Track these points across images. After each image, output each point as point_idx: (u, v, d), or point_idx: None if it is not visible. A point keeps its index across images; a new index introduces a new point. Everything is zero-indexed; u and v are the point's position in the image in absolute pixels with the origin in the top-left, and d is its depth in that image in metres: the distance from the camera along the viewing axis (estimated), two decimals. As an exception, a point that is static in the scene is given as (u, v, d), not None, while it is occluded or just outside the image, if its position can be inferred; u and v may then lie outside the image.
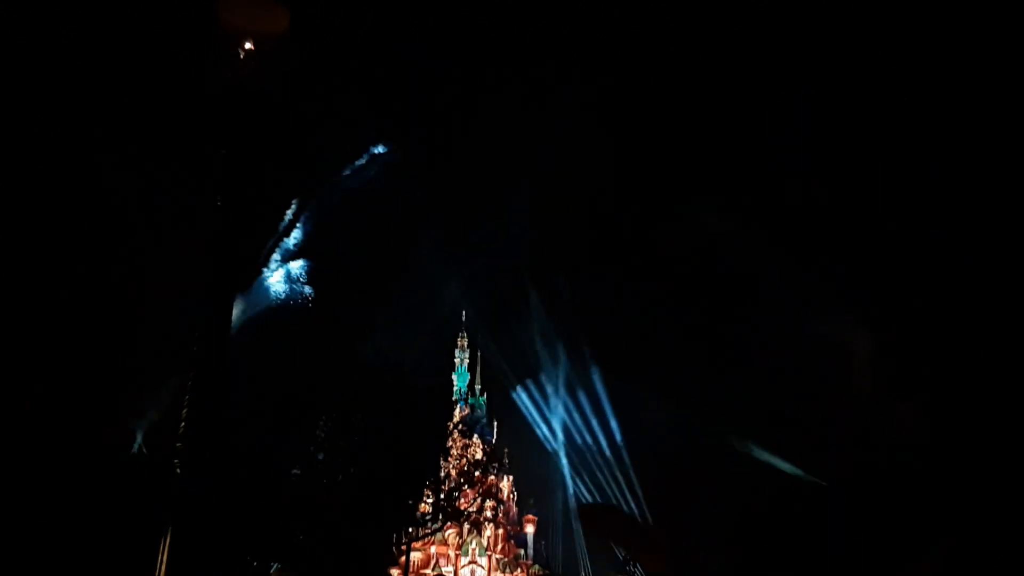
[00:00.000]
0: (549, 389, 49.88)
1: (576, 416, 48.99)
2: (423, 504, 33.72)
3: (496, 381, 55.08)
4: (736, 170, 39.95)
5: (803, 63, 35.63)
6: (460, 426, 43.85)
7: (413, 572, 44.16)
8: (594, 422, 47.57)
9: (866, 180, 32.86)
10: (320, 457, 26.61)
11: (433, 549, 47.63)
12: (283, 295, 35.24)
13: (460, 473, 37.90)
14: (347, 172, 39.22)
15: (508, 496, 53.19)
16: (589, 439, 47.75)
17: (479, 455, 41.64)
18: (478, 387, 55.26)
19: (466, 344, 55.48)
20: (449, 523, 40.89)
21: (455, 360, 55.10)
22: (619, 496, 46.18)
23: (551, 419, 49.75)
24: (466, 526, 46.16)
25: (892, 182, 31.58)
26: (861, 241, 32.71)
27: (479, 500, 42.55)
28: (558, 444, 48.80)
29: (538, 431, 50.28)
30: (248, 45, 17.75)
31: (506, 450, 52.35)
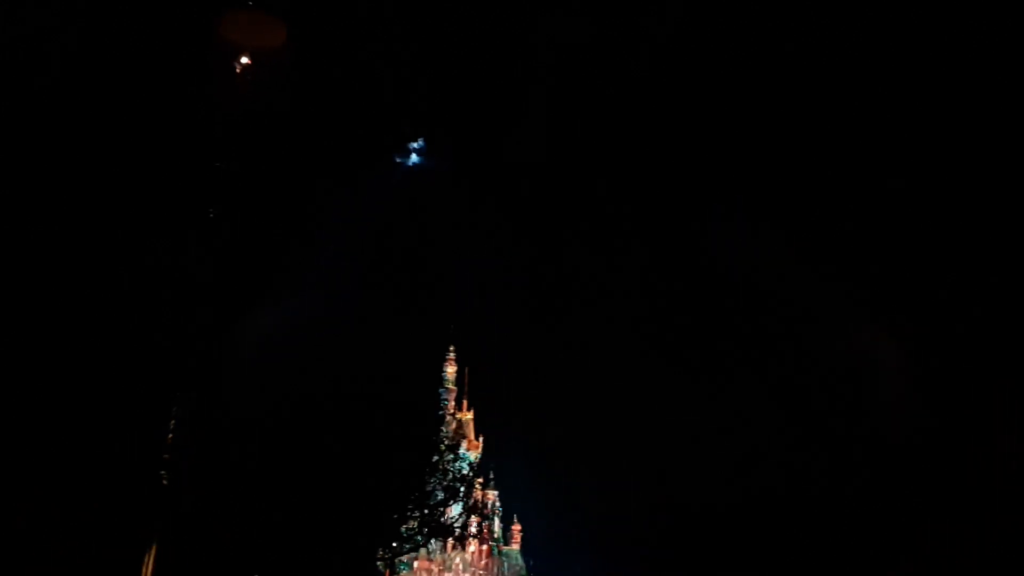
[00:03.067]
0: (543, 394, 49.87)
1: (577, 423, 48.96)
2: (408, 520, 33.58)
3: (485, 394, 55.03)
4: (741, 171, 39.75)
5: (804, 64, 35.52)
6: (446, 440, 43.71)
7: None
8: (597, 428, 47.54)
9: (871, 180, 32.74)
10: (302, 472, 26.45)
11: (416, 564, 47.45)
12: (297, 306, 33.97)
13: (445, 488, 37.79)
14: (364, 177, 38.40)
15: (493, 511, 53.04)
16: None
17: (465, 470, 41.53)
18: (465, 400, 55.18)
19: (455, 358, 55.36)
20: (433, 538, 40.69)
21: (443, 374, 54.96)
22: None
23: (544, 430, 49.64)
24: (450, 541, 46.02)
25: (895, 181, 31.49)
26: (875, 240, 32.45)
27: (464, 515, 42.43)
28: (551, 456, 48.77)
29: (529, 444, 50.23)
30: (244, 59, 17.83)
31: (492, 465, 52.28)
